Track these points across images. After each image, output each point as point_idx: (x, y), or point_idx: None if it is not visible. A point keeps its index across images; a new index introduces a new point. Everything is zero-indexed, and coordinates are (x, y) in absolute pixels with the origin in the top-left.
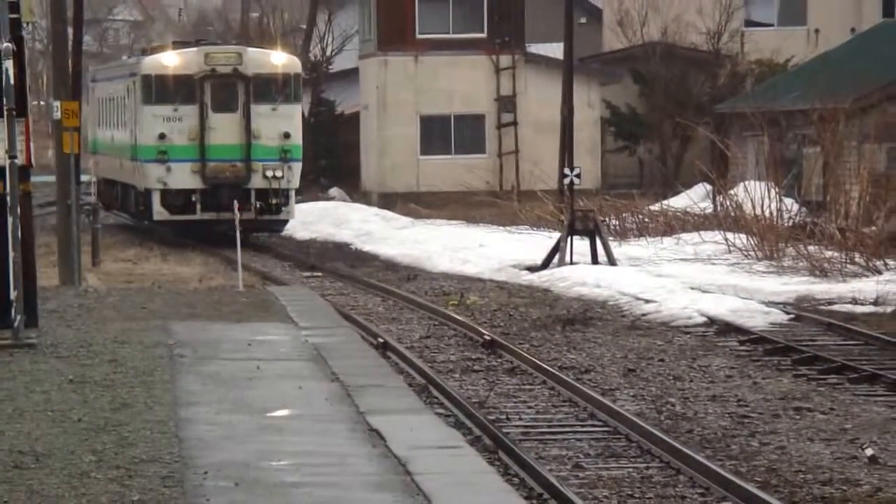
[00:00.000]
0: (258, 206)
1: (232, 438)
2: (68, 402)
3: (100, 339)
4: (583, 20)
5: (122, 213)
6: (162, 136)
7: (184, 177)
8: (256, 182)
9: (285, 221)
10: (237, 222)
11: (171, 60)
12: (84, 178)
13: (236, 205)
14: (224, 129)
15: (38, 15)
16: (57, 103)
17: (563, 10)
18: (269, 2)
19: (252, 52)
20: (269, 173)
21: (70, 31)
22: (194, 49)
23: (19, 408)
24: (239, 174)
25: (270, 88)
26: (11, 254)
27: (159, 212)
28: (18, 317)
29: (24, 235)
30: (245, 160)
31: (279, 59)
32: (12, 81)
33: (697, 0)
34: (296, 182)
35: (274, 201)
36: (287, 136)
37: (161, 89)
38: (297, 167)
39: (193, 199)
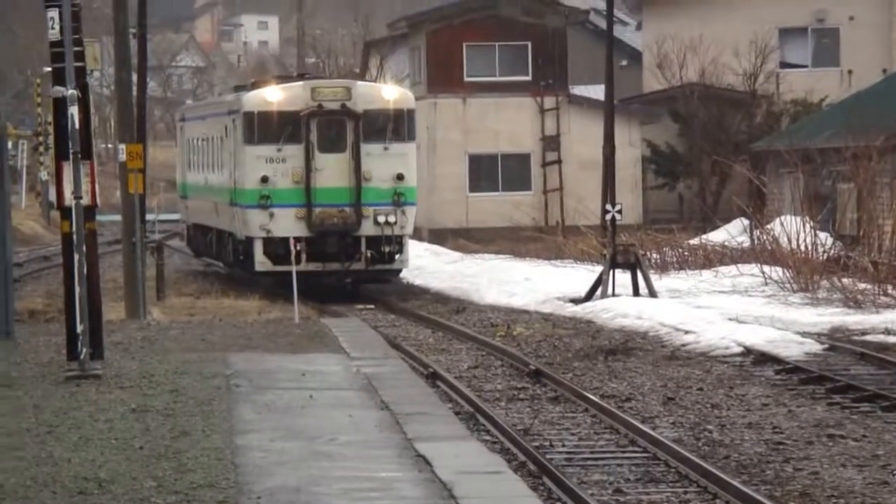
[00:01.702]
0: (369, 255)
1: (285, 465)
2: (131, 430)
3: (161, 370)
4: (623, 63)
5: (216, 262)
6: (265, 180)
7: (288, 223)
8: (367, 229)
9: (399, 271)
10: (293, 264)
11: (275, 96)
12: (149, 216)
13: (292, 241)
14: (332, 171)
15: (106, 62)
16: (122, 146)
17: (604, 53)
18: (323, 47)
19: (362, 86)
20: (382, 219)
21: (135, 77)
22: (300, 83)
23: (84, 436)
24: (348, 220)
25: (382, 125)
26: (77, 289)
27: (262, 262)
28: (84, 349)
29: (89, 272)
30: (355, 205)
31: (391, 94)
32: (77, 126)
33: (734, 43)
34: (410, 228)
35: (386, 249)
36: (400, 177)
37: (264, 127)
38: (412, 211)
39: (298, 247)
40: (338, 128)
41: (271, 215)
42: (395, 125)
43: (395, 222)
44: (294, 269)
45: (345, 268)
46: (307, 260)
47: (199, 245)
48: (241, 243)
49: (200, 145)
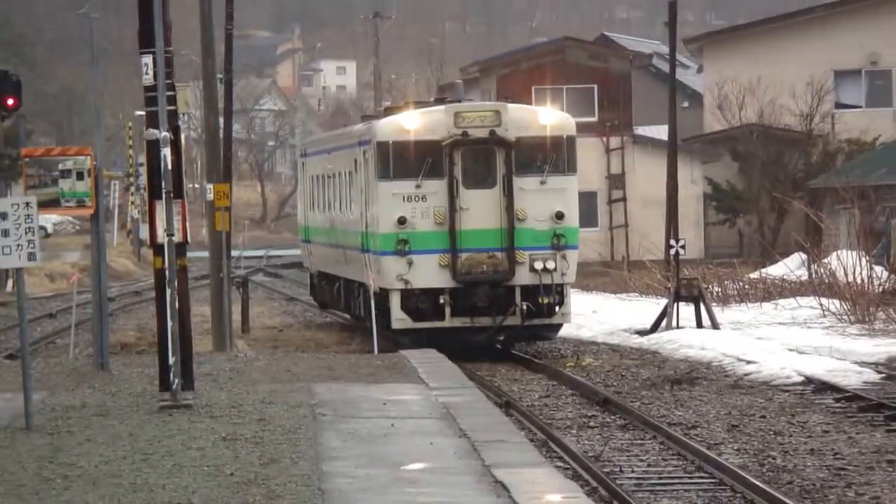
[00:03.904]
0: (525, 307)
1: (369, 490)
2: (221, 457)
3: (249, 400)
4: (685, 104)
5: (343, 315)
6: (402, 221)
7: (429, 273)
8: (522, 277)
9: (559, 326)
10: (371, 305)
11: (412, 123)
12: (234, 253)
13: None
14: (479, 210)
15: (193, 106)
16: (210, 186)
17: (666, 95)
18: (399, 90)
19: (514, 110)
20: (539, 265)
21: (221, 120)
22: (441, 107)
23: (178, 463)
24: (499, 267)
25: (538, 155)
26: (170, 323)
27: (399, 318)
28: (176, 380)
29: (180, 306)
30: (507, 249)
31: (548, 118)
32: (170, 167)
33: (791, 85)
34: (572, 275)
35: (545, 301)
36: (560, 216)
37: (401, 160)
38: (574, 256)
39: (441, 300)
40: (486, 159)
41: (410, 263)
42: (554, 155)
43: (555, 269)
44: (372, 306)
45: (497, 324)
46: (452, 314)
47: (325, 296)
48: (375, 296)
49: (325, 182)
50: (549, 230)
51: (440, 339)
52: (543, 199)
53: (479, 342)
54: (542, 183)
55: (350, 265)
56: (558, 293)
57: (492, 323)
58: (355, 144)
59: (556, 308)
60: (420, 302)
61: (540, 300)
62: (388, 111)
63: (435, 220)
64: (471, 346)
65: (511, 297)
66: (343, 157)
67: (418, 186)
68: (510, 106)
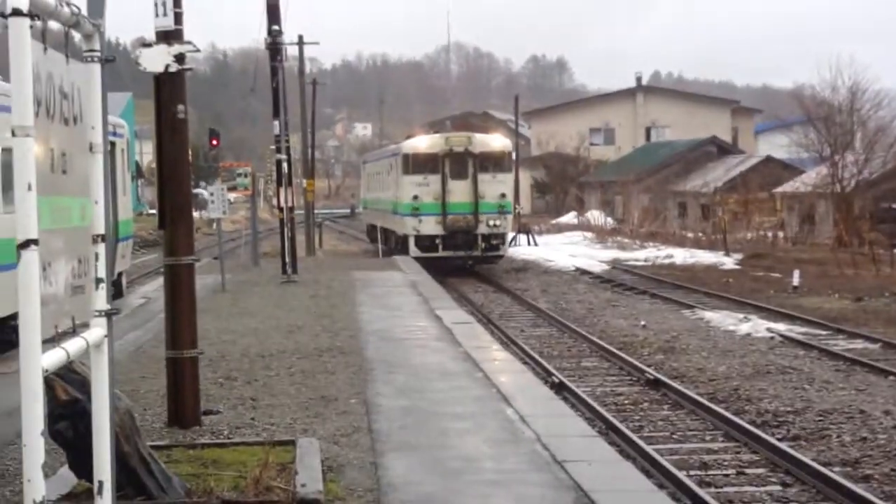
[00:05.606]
0: (483, 246)
1: (379, 320)
2: (310, 304)
3: (323, 279)
4: (523, 143)
5: (382, 246)
6: (415, 197)
7: (431, 226)
8: (482, 229)
9: (502, 256)
10: (380, 250)
11: (422, 143)
12: (316, 211)
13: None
14: (459, 192)
15: (297, 143)
16: (304, 180)
17: (514, 139)
18: (392, 138)
19: (478, 136)
20: (491, 223)
21: (310, 150)
22: (438, 135)
23: (290, 307)
24: (469, 223)
25: (491, 162)
26: (286, 243)
27: (413, 250)
28: (289, 269)
29: (291, 234)
30: (474, 214)
31: (497, 142)
32: (286, 171)
33: (570, 135)
34: (509, 228)
35: (494, 242)
36: (503, 195)
37: (415, 163)
38: (510, 217)
39: (437, 241)
40: (463, 163)
41: (420, 220)
42: (499, 161)
43: (500, 225)
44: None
45: (467, 254)
46: (443, 249)
47: (374, 236)
48: (400, 238)
49: (375, 177)
50: (497, 203)
51: (436, 263)
52: (494, 186)
53: (458, 265)
54: (493, 177)
55: (387, 221)
56: (501, 238)
57: (465, 254)
58: (391, 155)
59: (501, 246)
60: (425, 242)
61: (491, 242)
62: (409, 137)
63: (434, 197)
64: (453, 267)
65: (476, 240)
66: (385, 162)
67: (425, 178)
68: (477, 135)
